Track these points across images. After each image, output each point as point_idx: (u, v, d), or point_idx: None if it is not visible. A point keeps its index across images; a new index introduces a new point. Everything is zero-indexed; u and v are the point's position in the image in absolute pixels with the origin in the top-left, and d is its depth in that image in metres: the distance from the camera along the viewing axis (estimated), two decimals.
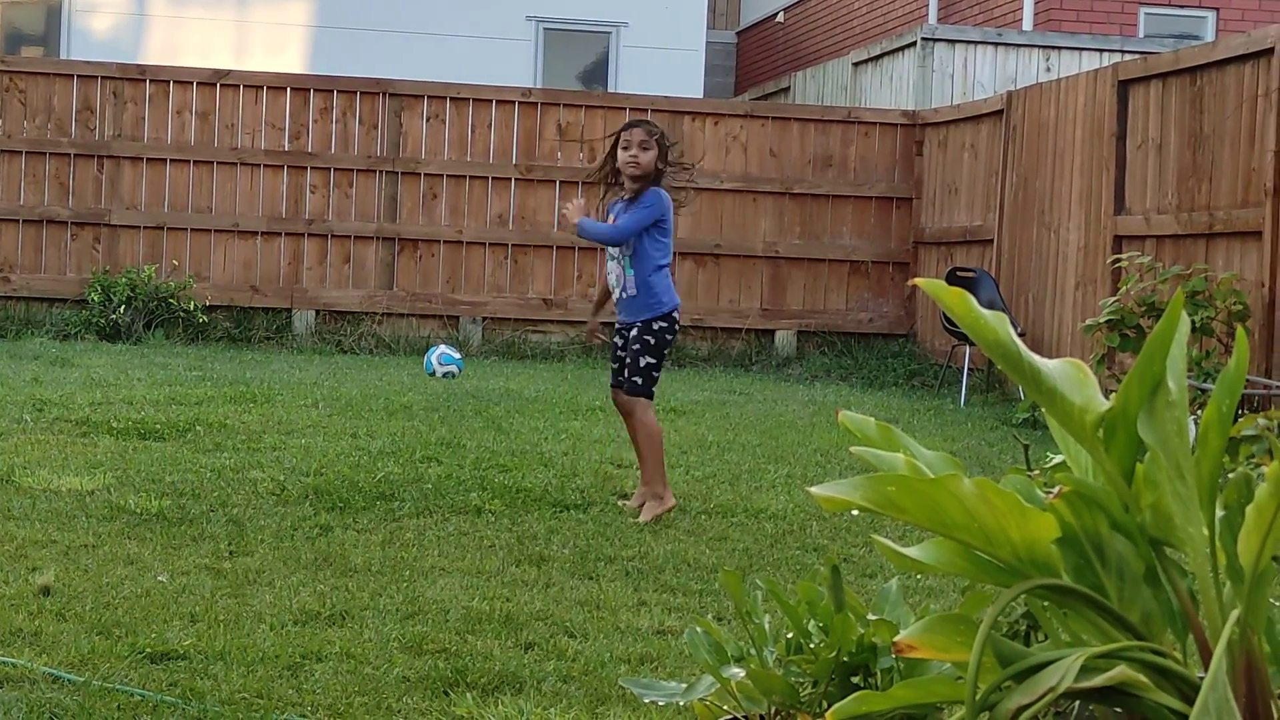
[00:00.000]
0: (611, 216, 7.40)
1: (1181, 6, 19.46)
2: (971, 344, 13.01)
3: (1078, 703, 2.59)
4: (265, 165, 15.16)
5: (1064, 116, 12.70)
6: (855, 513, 2.61)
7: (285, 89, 15.28)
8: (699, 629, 3.17)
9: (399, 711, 4.15)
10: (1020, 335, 4.68)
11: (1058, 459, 2.91)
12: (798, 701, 2.97)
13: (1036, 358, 2.58)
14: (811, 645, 3.02)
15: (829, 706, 2.79)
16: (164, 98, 15.10)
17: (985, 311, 2.57)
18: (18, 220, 14.86)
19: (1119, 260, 11.00)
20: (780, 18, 25.88)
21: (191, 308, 14.66)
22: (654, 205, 7.19)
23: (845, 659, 2.96)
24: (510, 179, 15.23)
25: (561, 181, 15.34)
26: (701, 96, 19.62)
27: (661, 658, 4.73)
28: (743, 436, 9.89)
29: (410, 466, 8.08)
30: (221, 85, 15.18)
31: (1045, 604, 2.70)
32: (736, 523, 7.07)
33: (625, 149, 7.28)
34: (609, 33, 20.31)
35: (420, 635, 4.85)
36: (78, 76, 15.07)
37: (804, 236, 15.60)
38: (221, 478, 7.50)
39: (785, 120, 15.72)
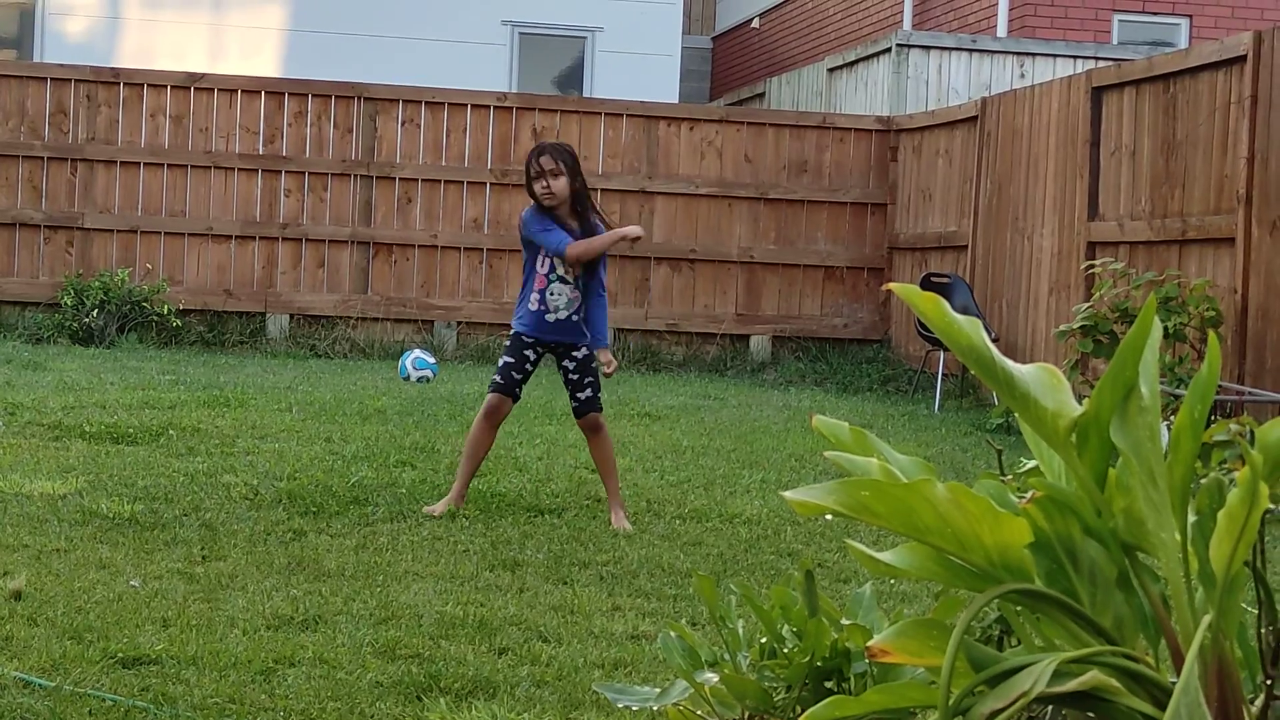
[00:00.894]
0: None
1: (1155, 14, 19.53)
2: (946, 349, 13.04)
3: (1050, 707, 2.59)
4: (239, 169, 15.13)
5: (1038, 123, 12.74)
6: (829, 517, 2.61)
7: (260, 92, 15.25)
8: (673, 634, 3.17)
9: (372, 717, 4.14)
10: (994, 341, 4.68)
11: (1031, 464, 2.92)
12: (771, 706, 2.97)
13: (1010, 363, 2.59)
14: (785, 650, 3.03)
15: (802, 711, 2.79)
16: (138, 101, 15.06)
17: (959, 317, 2.57)
18: None
19: (1092, 266, 11.03)
20: (756, 23, 25.92)
21: (165, 311, 14.61)
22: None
23: (819, 664, 2.97)
24: (485, 183, 15.22)
25: None
26: (677, 101, 19.62)
27: (635, 663, 4.73)
28: (717, 441, 9.89)
29: (384, 471, 8.07)
30: (196, 88, 15.15)
31: (1018, 609, 2.70)
32: (711, 527, 7.07)
33: (536, 178, 7.30)
34: (584, 38, 20.31)
35: (393, 640, 4.84)
36: (51, 79, 15.02)
37: (779, 242, 15.62)
38: (194, 482, 7.48)
39: (760, 125, 15.73)
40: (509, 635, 4.99)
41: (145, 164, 15.02)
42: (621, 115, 15.50)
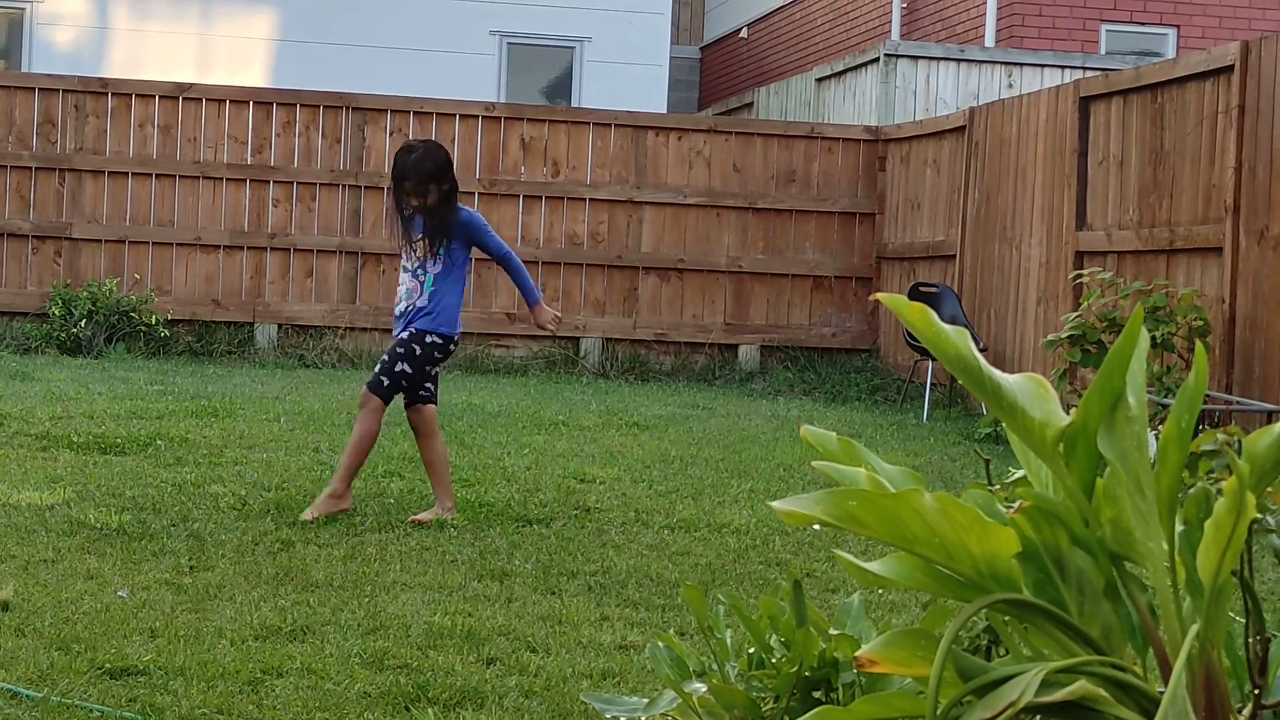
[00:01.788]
0: (409, 230, 7.43)
1: (1143, 24, 19.58)
2: (934, 359, 13.05)
3: (1038, 717, 2.59)
4: (228, 179, 15.12)
5: (1026, 133, 12.76)
6: (817, 527, 2.61)
7: (248, 102, 15.24)
8: (661, 644, 3.17)
9: None
10: (982, 350, 4.68)
11: (1019, 474, 2.92)
12: (759, 716, 2.97)
13: (997, 373, 2.59)
14: (773, 660, 3.03)
15: None
16: (126, 111, 15.04)
17: (946, 327, 2.57)
18: None
19: (1080, 276, 11.04)
20: (744, 33, 25.94)
21: (153, 321, 14.59)
22: (476, 226, 7.51)
23: (807, 674, 2.97)
24: (474, 193, 15.21)
25: (525, 196, 15.33)
26: (665, 111, 19.64)
27: (624, 673, 4.73)
28: (705, 451, 9.89)
29: (372, 481, 8.06)
30: (184, 98, 15.14)
31: (1006, 618, 2.71)
32: (699, 537, 7.07)
33: (404, 194, 7.36)
34: (573, 47, 20.32)
35: (382, 650, 4.84)
36: (39, 89, 15.01)
37: (767, 251, 15.63)
38: (182, 492, 7.47)
39: (749, 135, 15.75)
40: (497, 645, 4.99)
41: (133, 174, 15.00)
42: (610, 125, 15.50)
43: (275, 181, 15.15)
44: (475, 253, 7.70)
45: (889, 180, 15.53)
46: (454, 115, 15.37)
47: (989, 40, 18.83)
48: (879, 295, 2.62)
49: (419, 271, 7.40)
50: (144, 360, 14.20)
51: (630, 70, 20.08)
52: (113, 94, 15.07)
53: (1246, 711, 2.56)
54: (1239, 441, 2.61)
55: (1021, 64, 16.78)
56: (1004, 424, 2.66)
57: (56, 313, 14.39)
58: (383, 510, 7.24)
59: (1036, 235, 12.45)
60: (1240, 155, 9.86)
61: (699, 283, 15.56)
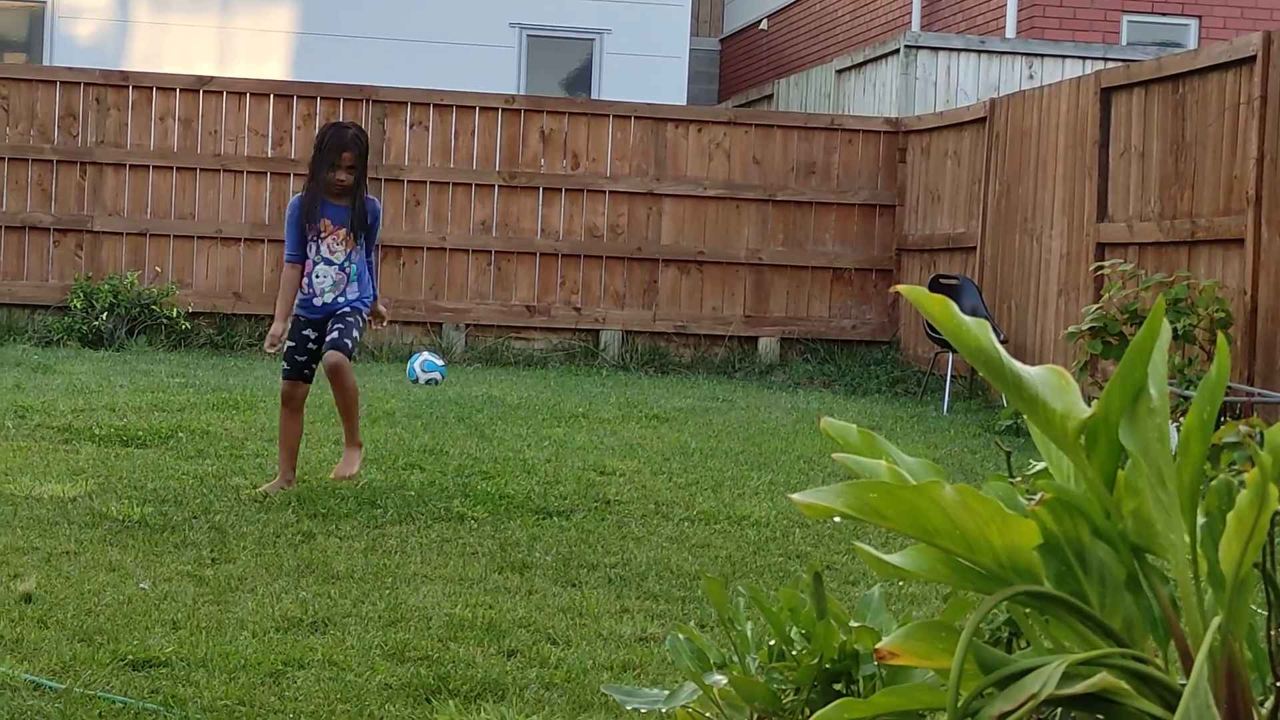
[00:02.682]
0: (326, 221, 7.49)
1: (1164, 14, 19.51)
2: (954, 351, 13.02)
3: (1059, 709, 2.59)
4: (248, 172, 15.14)
5: (1047, 124, 12.73)
6: (837, 519, 2.61)
7: (268, 95, 15.26)
8: (681, 636, 3.17)
9: (381, 718, 4.15)
10: (1003, 342, 4.68)
11: (1040, 466, 2.91)
12: (780, 709, 2.97)
13: (1018, 364, 2.59)
14: (794, 652, 3.03)
15: (811, 714, 2.79)
16: (147, 104, 15.07)
17: (967, 318, 2.57)
18: (0, 227, 14.83)
19: (1101, 268, 11.02)
20: (764, 25, 25.91)
21: (174, 314, 14.63)
22: (378, 216, 7.62)
23: (827, 666, 2.97)
24: (494, 186, 15.22)
25: (544, 188, 15.33)
26: (685, 103, 19.63)
27: (644, 665, 4.73)
28: (725, 443, 9.89)
29: (393, 473, 8.08)
30: (204, 91, 15.16)
31: (1027, 611, 2.70)
32: (719, 530, 7.07)
33: (334, 169, 7.37)
34: (593, 39, 20.31)
35: (402, 642, 4.85)
36: (60, 83, 15.04)
37: (787, 243, 15.61)
38: (204, 484, 7.48)
39: (768, 127, 15.73)
40: (517, 637, 5.00)
41: (154, 167, 15.04)
42: (629, 117, 15.50)
43: (295, 174, 15.15)
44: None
45: (909, 172, 15.50)
46: (474, 108, 15.37)
47: (1010, 31, 18.78)
48: (899, 287, 2.61)
49: (345, 264, 7.56)
50: (165, 353, 14.24)
51: (650, 62, 20.06)
52: (133, 87, 15.10)
53: (1269, 704, 2.55)
54: (1261, 433, 2.60)
55: (1042, 55, 16.73)
56: (1025, 416, 2.65)
57: (78, 306, 14.43)
58: (403, 503, 7.25)
59: (1057, 227, 12.42)
60: (1262, 146, 9.82)
61: (719, 275, 15.55)
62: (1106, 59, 16.36)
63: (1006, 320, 13.19)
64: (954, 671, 2.36)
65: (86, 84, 15.04)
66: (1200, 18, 19.51)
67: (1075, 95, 12.25)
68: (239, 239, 15.10)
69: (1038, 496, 2.58)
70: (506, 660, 4.74)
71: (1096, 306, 10.52)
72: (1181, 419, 2.63)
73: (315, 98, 15.27)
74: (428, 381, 12.23)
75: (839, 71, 18.36)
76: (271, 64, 19.36)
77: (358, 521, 6.82)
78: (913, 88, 16.48)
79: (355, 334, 7.59)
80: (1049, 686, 2.36)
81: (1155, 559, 2.62)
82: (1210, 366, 2.58)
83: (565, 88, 20.41)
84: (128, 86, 15.10)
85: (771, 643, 3.08)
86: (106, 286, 14.49)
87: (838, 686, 2.97)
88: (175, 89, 15.15)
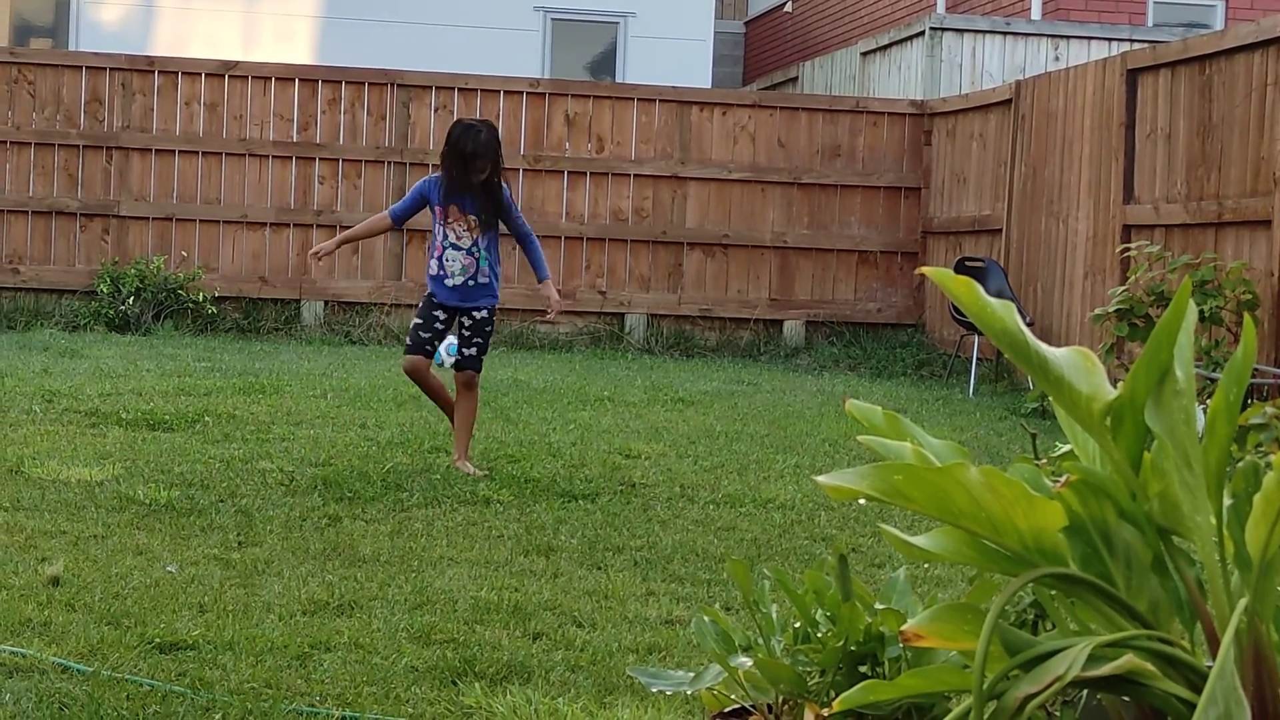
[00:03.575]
0: (453, 207, 7.81)
1: None
2: (980, 333, 13.00)
3: (1085, 691, 2.59)
4: (274, 156, 15.17)
5: (1073, 106, 12.68)
6: (863, 502, 2.61)
7: (293, 80, 15.28)
8: (707, 618, 3.17)
9: (407, 701, 4.16)
10: (1029, 325, 4.68)
11: (1066, 448, 2.91)
12: (805, 691, 2.97)
13: (1044, 346, 2.58)
14: (819, 634, 3.03)
15: (836, 696, 2.79)
16: (172, 89, 15.10)
17: (993, 300, 2.56)
18: (27, 212, 14.88)
19: (1128, 249, 10.98)
20: (788, 7, 25.85)
21: (200, 299, 14.67)
22: (510, 201, 7.99)
23: (853, 648, 2.97)
24: (519, 169, 15.22)
25: (569, 172, 15.33)
26: (709, 86, 19.60)
27: (669, 647, 4.74)
28: (751, 426, 9.89)
29: (419, 457, 8.09)
30: (230, 76, 15.19)
31: (1053, 593, 2.70)
32: (745, 512, 7.07)
33: (466, 171, 7.65)
34: (617, 23, 20.29)
35: (428, 625, 4.86)
36: (86, 68, 15.08)
37: (812, 226, 15.59)
38: (230, 468, 7.51)
39: (793, 110, 15.70)
40: (543, 620, 5.01)
41: (180, 152, 15.07)
42: (654, 100, 15.48)
43: (321, 159, 15.19)
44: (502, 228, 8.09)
45: (934, 154, 15.47)
46: (499, 92, 15.37)
47: (1035, 13, 18.71)
48: (925, 269, 2.61)
49: (474, 249, 7.84)
50: (191, 337, 14.28)
51: (675, 45, 20.03)
52: (159, 72, 15.13)
53: None
54: None
55: (1068, 36, 16.66)
56: (1050, 398, 2.65)
57: (105, 290, 14.48)
58: (429, 486, 7.27)
59: (1083, 209, 12.38)
60: None
61: (744, 258, 15.54)
62: (1132, 40, 16.30)
63: (1032, 303, 13.15)
64: (979, 653, 2.35)
65: (112, 69, 15.08)
66: None
67: (1101, 76, 12.21)
68: (264, 223, 15.13)
69: (1063, 478, 2.58)
70: (532, 643, 4.75)
71: (1123, 289, 10.49)
72: (1208, 401, 2.62)
73: (340, 82, 15.29)
74: (454, 365, 12.27)
75: (864, 54, 18.31)
76: (297, 48, 19.37)
77: (384, 505, 6.83)
78: (938, 70, 16.43)
79: (486, 351, 8.04)
80: (1075, 668, 2.36)
81: (1181, 541, 2.61)
82: (1237, 348, 2.57)
83: (590, 71, 20.40)
84: (153, 71, 15.13)
85: (797, 625, 3.08)
86: (133, 271, 14.53)
87: (863, 669, 2.97)
88: (201, 74, 15.17)
